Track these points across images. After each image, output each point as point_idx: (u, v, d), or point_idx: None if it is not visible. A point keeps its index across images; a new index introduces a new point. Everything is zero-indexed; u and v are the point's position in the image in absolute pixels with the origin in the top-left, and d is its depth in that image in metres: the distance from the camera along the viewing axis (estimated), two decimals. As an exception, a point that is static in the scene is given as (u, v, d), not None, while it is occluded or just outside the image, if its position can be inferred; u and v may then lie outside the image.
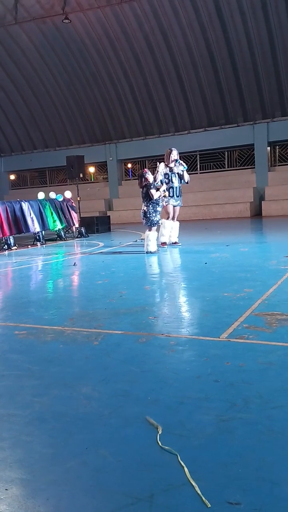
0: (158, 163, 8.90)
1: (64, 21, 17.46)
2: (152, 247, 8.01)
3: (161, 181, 8.51)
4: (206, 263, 6.41)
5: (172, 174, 8.79)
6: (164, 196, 8.42)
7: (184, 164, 9.02)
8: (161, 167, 8.71)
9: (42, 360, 2.96)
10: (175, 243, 8.99)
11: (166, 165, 8.84)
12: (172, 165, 8.80)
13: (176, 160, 8.82)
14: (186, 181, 8.94)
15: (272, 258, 6.67)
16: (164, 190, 8.26)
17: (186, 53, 17.98)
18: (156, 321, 3.73)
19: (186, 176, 8.93)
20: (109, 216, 15.98)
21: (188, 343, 3.14)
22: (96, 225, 13.93)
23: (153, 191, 7.99)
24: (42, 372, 2.75)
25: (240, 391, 2.31)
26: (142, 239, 9.72)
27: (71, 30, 18.39)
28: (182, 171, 8.85)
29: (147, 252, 7.99)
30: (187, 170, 9.18)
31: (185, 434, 1.94)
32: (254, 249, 8.18)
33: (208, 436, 1.91)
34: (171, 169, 8.80)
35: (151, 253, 7.94)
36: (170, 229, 8.90)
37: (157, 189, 8.08)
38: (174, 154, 8.83)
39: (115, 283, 5.61)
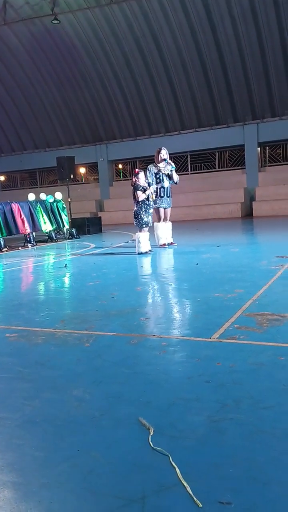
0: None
1: (53, 21, 17.42)
2: (143, 248, 8.02)
3: (149, 183, 8.49)
4: (197, 264, 6.43)
5: (163, 175, 8.81)
6: (152, 199, 8.34)
7: (173, 164, 9.01)
8: (149, 170, 8.72)
9: (33, 362, 2.96)
10: (171, 243, 9.01)
11: (156, 165, 8.85)
12: (161, 165, 8.81)
13: (165, 160, 8.83)
14: (175, 182, 8.95)
15: (262, 258, 6.70)
16: (151, 192, 8.21)
17: (176, 54, 18.03)
18: (147, 323, 3.74)
19: (175, 177, 8.93)
20: (100, 217, 15.98)
21: (179, 344, 3.14)
22: (87, 226, 13.91)
23: (139, 192, 8.00)
24: (33, 375, 2.74)
25: (231, 391, 2.32)
26: (133, 240, 9.72)
27: (60, 31, 18.36)
28: (171, 171, 8.85)
29: (138, 253, 8.00)
30: (176, 171, 9.19)
31: (176, 435, 1.95)
32: (245, 250, 8.22)
33: (200, 437, 1.92)
34: (159, 170, 8.80)
35: (142, 254, 7.95)
36: (164, 231, 8.91)
37: (144, 191, 8.05)
38: (163, 154, 8.83)
39: (106, 284, 5.61)
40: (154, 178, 8.76)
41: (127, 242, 10.47)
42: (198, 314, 3.87)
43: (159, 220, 8.90)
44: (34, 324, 3.88)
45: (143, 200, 8.05)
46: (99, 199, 21.22)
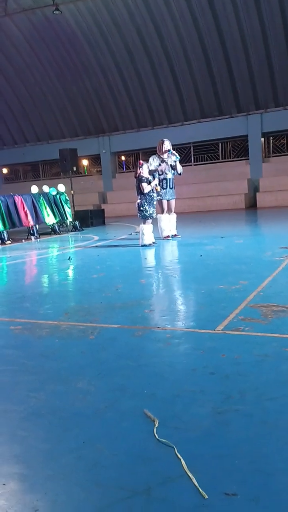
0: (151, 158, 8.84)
1: (54, 12, 17.26)
2: (147, 240, 8.00)
3: (153, 175, 8.42)
4: (201, 256, 6.42)
5: (166, 166, 8.75)
6: (157, 191, 8.30)
7: (177, 155, 8.92)
8: (151, 162, 8.64)
9: (38, 355, 2.96)
10: (175, 235, 8.98)
11: (159, 156, 8.80)
12: (164, 156, 8.75)
13: (169, 151, 8.76)
14: (179, 172, 8.89)
15: (266, 249, 6.68)
16: (156, 184, 8.16)
17: (179, 44, 17.86)
18: (152, 315, 3.74)
19: (179, 167, 8.87)
20: (103, 209, 15.93)
21: (184, 336, 3.14)
22: (91, 218, 13.89)
23: (144, 184, 7.96)
24: (38, 367, 2.75)
25: (236, 383, 2.32)
26: (137, 232, 9.70)
27: (61, 21, 18.20)
28: (175, 161, 8.79)
29: (142, 245, 7.99)
30: (180, 161, 9.11)
31: (181, 427, 1.95)
32: (249, 241, 8.19)
33: (204, 429, 1.92)
34: (163, 160, 8.74)
35: (146, 246, 7.93)
36: (168, 223, 8.88)
37: (149, 183, 8.03)
38: (166, 145, 8.76)
39: (110, 277, 5.61)
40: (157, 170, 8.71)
41: (131, 234, 10.46)
42: (202, 306, 3.87)
43: (162, 212, 8.85)
44: (38, 317, 3.89)
45: (148, 192, 8.02)
46: (102, 191, 21.16)
